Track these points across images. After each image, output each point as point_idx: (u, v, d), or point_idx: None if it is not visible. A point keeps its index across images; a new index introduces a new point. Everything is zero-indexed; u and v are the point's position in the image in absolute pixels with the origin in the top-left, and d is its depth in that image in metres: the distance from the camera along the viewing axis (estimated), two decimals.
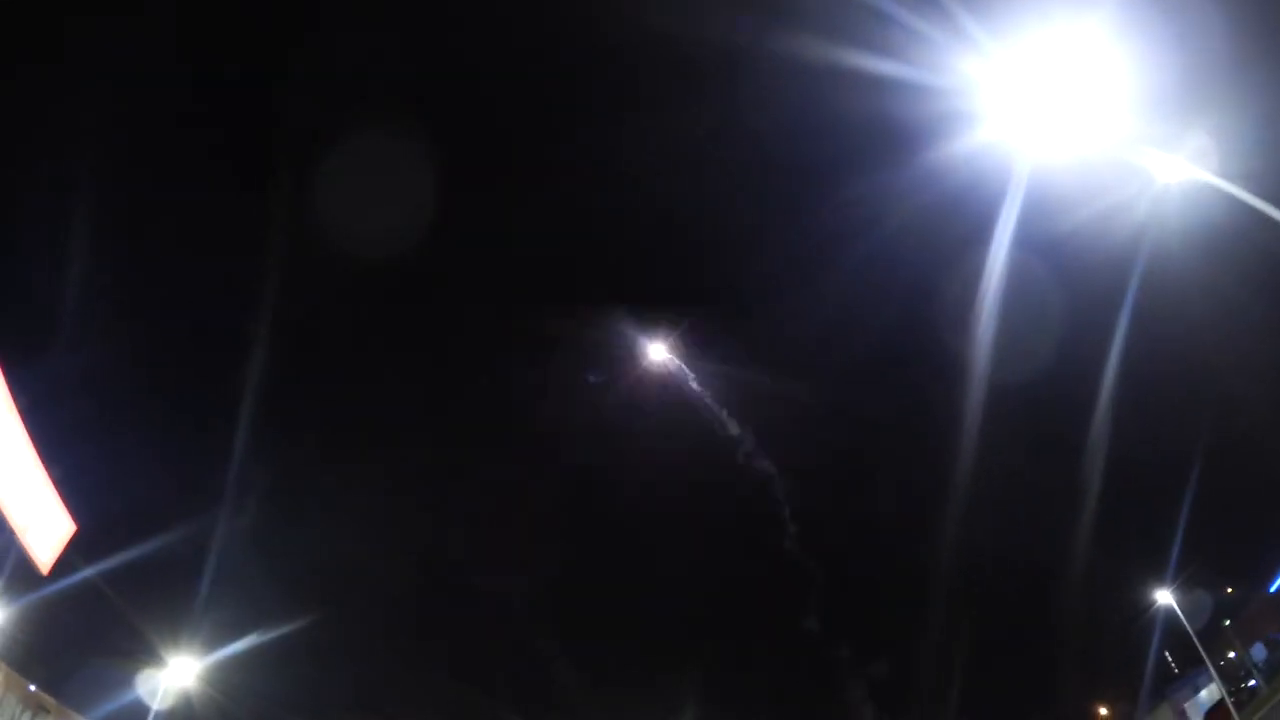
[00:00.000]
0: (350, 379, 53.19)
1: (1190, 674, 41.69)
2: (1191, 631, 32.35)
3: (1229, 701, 31.57)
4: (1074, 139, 14.16)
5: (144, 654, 31.62)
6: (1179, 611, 32.94)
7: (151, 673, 30.84)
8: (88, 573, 30.23)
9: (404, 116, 39.46)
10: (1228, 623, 40.17)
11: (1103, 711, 50.72)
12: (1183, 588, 34.00)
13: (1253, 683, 35.07)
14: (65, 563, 28.81)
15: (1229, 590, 41.57)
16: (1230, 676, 36.14)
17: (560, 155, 45.87)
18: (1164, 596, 33.90)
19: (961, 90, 14.88)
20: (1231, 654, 39.29)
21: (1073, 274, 33.76)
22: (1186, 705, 40.92)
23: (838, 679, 59.67)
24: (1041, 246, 28.01)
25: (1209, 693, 38.52)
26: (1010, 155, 15.60)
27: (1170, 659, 42.72)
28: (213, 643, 32.88)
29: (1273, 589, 39.37)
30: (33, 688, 30.12)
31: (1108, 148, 13.96)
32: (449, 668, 54.71)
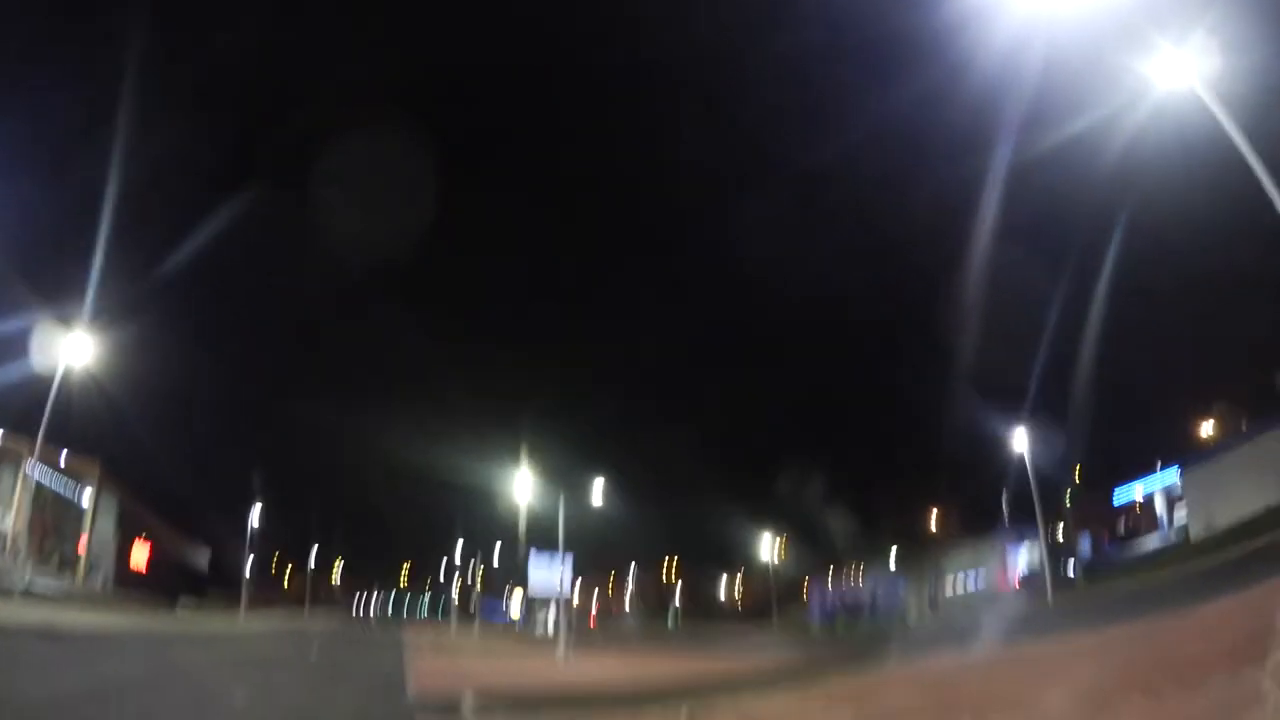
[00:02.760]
0: None
1: (1022, 527, 44.56)
2: (1033, 480, 33.90)
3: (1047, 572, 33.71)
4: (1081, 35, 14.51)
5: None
6: (1026, 461, 34.54)
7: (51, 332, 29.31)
8: None
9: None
10: (1068, 505, 43.08)
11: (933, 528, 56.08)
12: (1042, 443, 35.37)
13: (1070, 574, 37.67)
14: None
15: (1078, 482, 44.19)
16: (1053, 554, 38.45)
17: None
18: (1021, 440, 35.11)
19: None
20: (1060, 536, 42.28)
21: (1068, 177, 32.16)
22: (1010, 551, 43.71)
23: None
24: (1041, 148, 26.32)
25: (1028, 556, 41.19)
26: (1018, 52, 15.85)
27: (1006, 509, 44.43)
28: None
29: (1115, 502, 41.98)
30: None
31: (1113, 49, 14.29)
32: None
